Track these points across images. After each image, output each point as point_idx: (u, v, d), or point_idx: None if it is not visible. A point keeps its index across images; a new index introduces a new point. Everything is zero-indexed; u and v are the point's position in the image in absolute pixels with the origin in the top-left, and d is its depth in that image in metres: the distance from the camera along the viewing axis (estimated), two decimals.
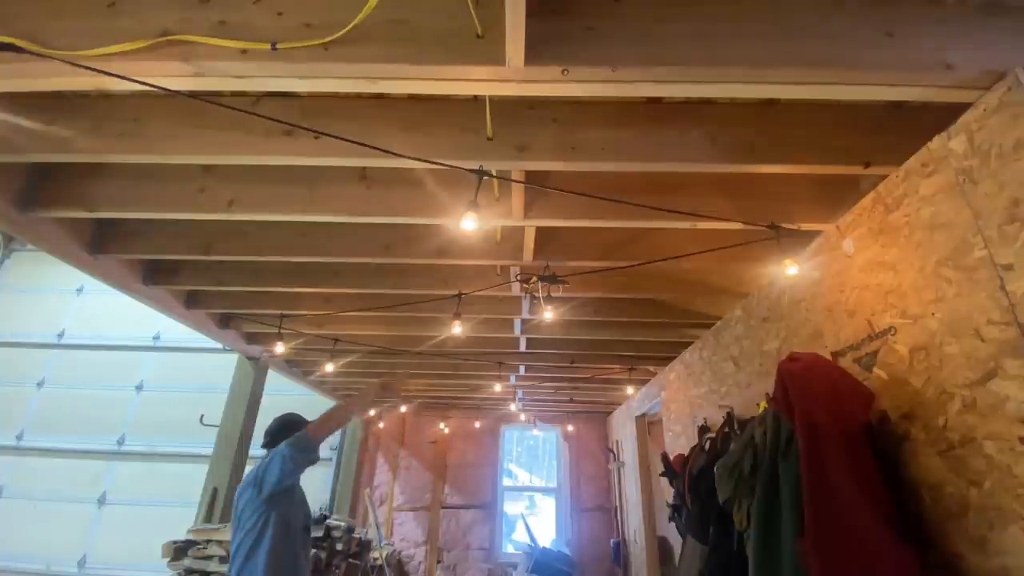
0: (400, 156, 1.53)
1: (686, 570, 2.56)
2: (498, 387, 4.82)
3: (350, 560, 4.36)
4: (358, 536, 4.64)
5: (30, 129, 1.61)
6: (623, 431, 6.00)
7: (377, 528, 5.61)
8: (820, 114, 1.63)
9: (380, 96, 1.64)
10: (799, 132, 1.62)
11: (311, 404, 6.46)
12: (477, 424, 6.90)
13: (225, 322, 3.49)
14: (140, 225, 2.40)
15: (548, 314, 2.60)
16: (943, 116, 1.41)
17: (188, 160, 1.78)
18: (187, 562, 3.32)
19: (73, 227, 2.25)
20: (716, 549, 2.15)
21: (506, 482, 7.19)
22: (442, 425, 6.80)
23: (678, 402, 3.90)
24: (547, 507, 7.69)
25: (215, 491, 3.79)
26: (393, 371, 2.27)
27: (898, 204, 1.61)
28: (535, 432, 7.73)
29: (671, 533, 4.22)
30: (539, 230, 2.20)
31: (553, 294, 2.50)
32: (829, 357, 1.91)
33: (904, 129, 1.58)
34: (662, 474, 3.21)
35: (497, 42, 1.21)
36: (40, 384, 6.75)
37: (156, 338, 6.91)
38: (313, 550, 3.72)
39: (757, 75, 1.30)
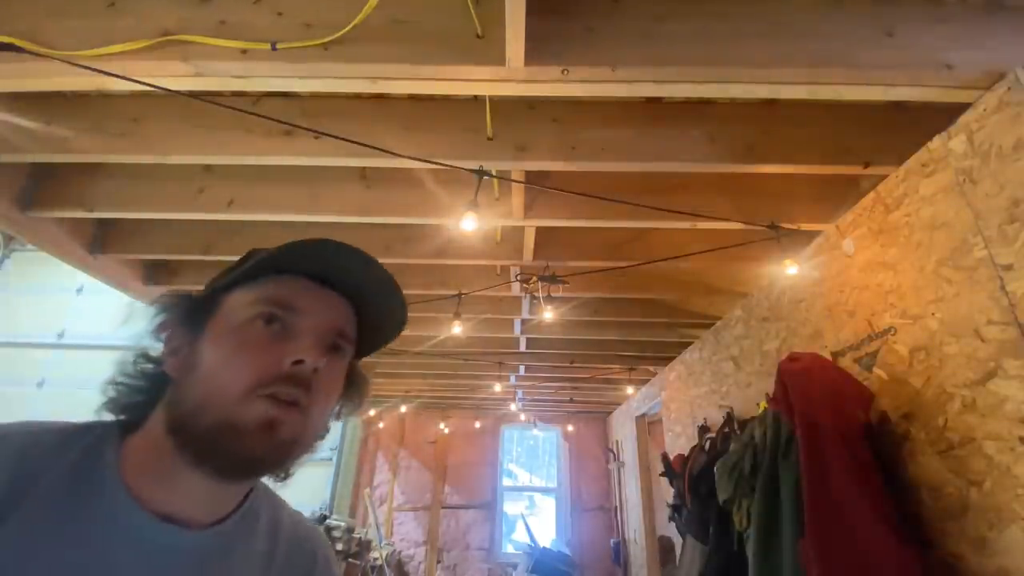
0: (400, 156, 1.53)
1: (686, 570, 2.56)
2: (498, 387, 4.82)
3: (350, 560, 4.36)
4: (358, 536, 4.64)
5: (30, 129, 1.61)
6: (623, 431, 6.00)
7: (377, 528, 5.61)
8: (820, 114, 1.63)
9: (380, 96, 1.64)
10: (799, 132, 1.62)
11: None
12: (477, 424, 6.90)
13: None
14: (140, 225, 2.40)
15: (548, 314, 2.60)
16: (943, 116, 1.41)
17: (188, 160, 1.78)
18: None
19: (73, 227, 2.25)
20: (716, 549, 2.15)
21: (506, 482, 7.19)
22: (442, 425, 6.80)
23: (678, 402, 3.89)
24: (547, 507, 7.70)
25: None
26: None
27: (898, 204, 1.61)
28: (535, 432, 7.73)
29: (673, 532, 4.21)
30: (539, 230, 2.20)
31: (553, 294, 2.49)
32: (829, 357, 1.91)
33: (904, 129, 1.58)
34: (662, 474, 3.20)
35: (497, 42, 1.21)
36: (40, 384, 6.75)
37: None
38: None
39: (757, 75, 1.30)
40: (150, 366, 0.56)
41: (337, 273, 0.57)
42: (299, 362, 0.51)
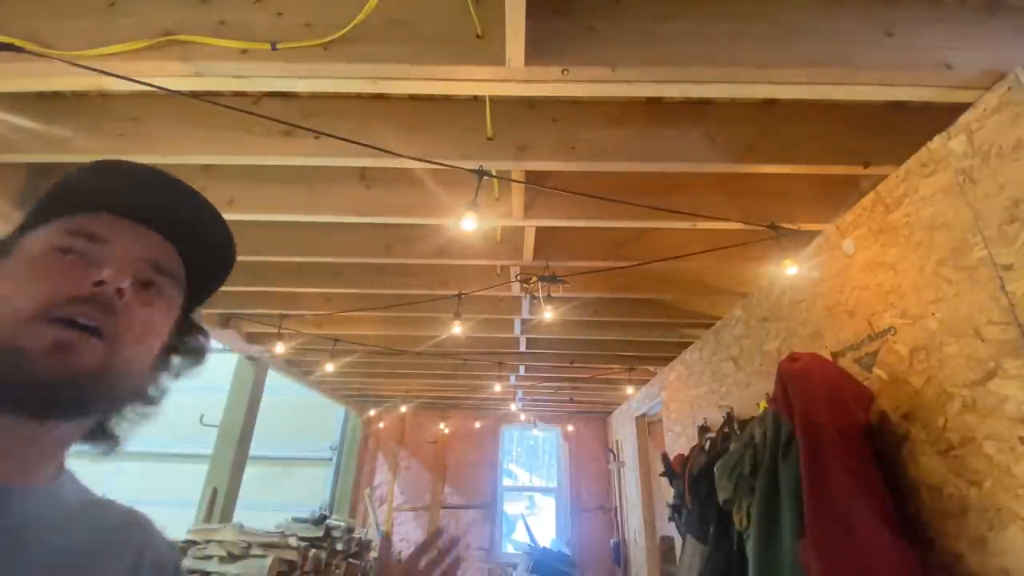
0: (400, 156, 1.53)
1: (686, 570, 2.56)
2: (498, 387, 4.82)
3: (350, 560, 4.36)
4: (358, 536, 4.63)
5: (30, 129, 1.61)
6: (623, 431, 6.00)
7: (377, 528, 5.61)
8: (820, 114, 1.63)
9: (380, 96, 1.64)
10: (799, 132, 1.62)
11: (310, 403, 6.48)
12: (477, 424, 6.90)
13: (225, 322, 3.48)
14: None
15: (548, 314, 2.60)
16: (943, 116, 1.41)
17: (188, 160, 1.78)
18: (187, 562, 3.32)
19: None
20: (716, 549, 2.15)
21: (506, 482, 7.19)
22: (442, 425, 6.81)
23: (678, 402, 3.89)
24: (547, 507, 7.69)
25: (215, 491, 3.79)
26: None
27: (898, 204, 1.61)
28: (535, 432, 7.72)
29: (673, 532, 4.22)
30: (539, 230, 2.20)
31: (553, 294, 2.49)
32: (829, 357, 1.91)
33: (904, 129, 1.58)
34: (662, 474, 3.20)
35: (497, 42, 1.21)
36: None
37: None
38: (313, 550, 3.72)
39: (757, 75, 1.30)
40: None
41: (143, 203, 0.52)
42: (99, 283, 0.45)
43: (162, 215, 0.52)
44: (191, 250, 0.55)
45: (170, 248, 0.54)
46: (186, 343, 0.57)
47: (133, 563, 0.53)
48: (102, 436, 0.53)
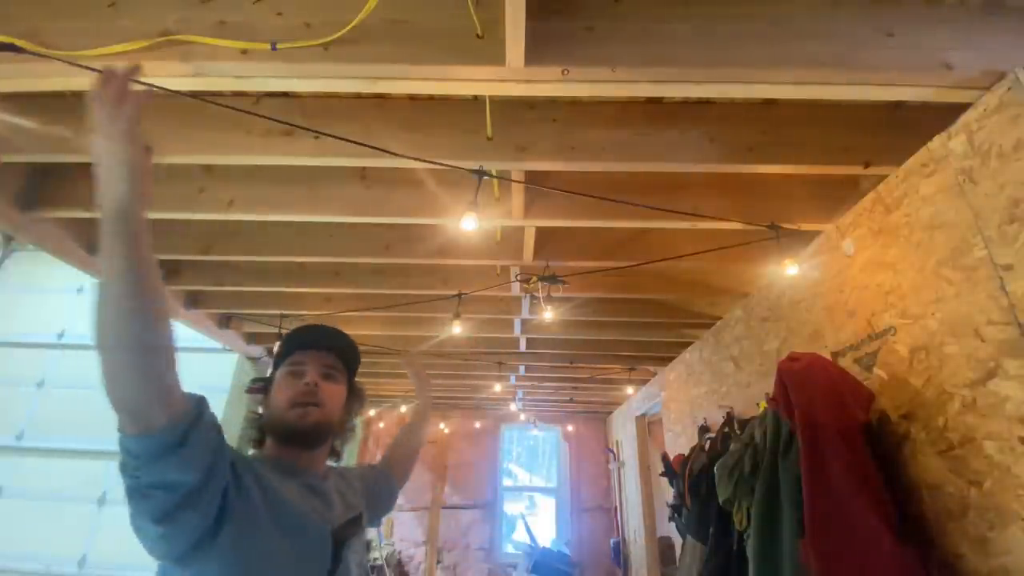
0: (400, 156, 1.53)
1: (686, 570, 2.56)
2: (498, 387, 4.82)
3: None
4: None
5: (30, 129, 1.61)
6: (623, 431, 6.00)
7: (377, 528, 5.61)
8: (820, 114, 1.63)
9: (380, 96, 1.64)
10: (799, 132, 1.62)
11: None
12: (477, 424, 6.90)
13: (225, 322, 3.48)
14: None
15: (548, 314, 2.60)
16: (943, 116, 1.41)
17: (188, 160, 1.78)
18: None
19: (73, 227, 2.25)
20: (716, 549, 2.15)
21: (506, 482, 7.19)
22: (442, 425, 6.81)
23: (678, 402, 3.89)
24: (547, 507, 7.69)
25: None
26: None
27: (898, 204, 1.61)
28: (535, 432, 7.73)
29: (673, 532, 4.22)
30: (539, 230, 2.20)
31: (553, 294, 2.49)
32: (829, 357, 1.91)
33: (904, 129, 1.58)
34: (662, 474, 3.21)
35: (497, 42, 1.21)
36: (40, 384, 6.74)
37: None
38: None
39: (757, 75, 1.30)
40: (256, 417, 1.07)
41: (316, 343, 1.08)
42: (307, 383, 1.02)
43: (328, 344, 1.09)
44: (343, 355, 1.11)
45: (334, 357, 1.09)
46: (353, 397, 1.14)
47: (361, 485, 1.19)
48: (335, 454, 1.12)
